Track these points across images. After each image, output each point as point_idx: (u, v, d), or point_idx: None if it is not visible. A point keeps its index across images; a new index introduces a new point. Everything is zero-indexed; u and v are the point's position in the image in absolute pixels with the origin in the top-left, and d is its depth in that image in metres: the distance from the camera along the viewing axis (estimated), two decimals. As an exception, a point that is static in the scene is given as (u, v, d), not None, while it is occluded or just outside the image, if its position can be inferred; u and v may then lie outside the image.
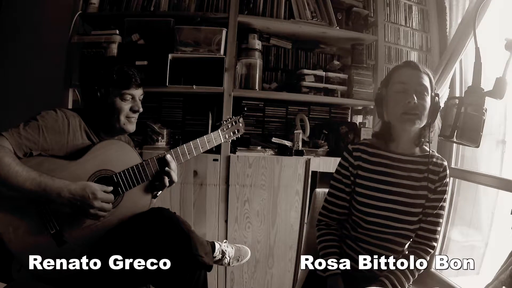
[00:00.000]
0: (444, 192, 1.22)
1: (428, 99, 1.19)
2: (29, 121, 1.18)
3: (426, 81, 1.19)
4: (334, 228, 1.31)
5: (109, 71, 1.28)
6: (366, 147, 1.27)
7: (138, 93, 1.34)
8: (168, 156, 1.31)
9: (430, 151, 1.23)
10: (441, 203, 1.22)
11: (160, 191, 1.39)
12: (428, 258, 1.22)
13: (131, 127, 1.35)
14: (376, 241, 1.22)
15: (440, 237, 2.31)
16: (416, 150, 1.26)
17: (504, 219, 2.16)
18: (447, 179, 1.23)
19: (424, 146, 1.26)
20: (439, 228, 1.23)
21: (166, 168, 1.30)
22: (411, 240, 1.26)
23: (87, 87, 1.32)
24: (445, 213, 2.23)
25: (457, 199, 2.35)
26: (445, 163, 1.24)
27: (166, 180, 1.31)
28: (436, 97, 1.20)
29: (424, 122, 1.19)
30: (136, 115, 1.35)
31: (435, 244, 1.22)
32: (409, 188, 1.21)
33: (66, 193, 1.13)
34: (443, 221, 1.25)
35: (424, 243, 1.22)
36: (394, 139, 1.24)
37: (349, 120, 2.40)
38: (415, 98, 1.15)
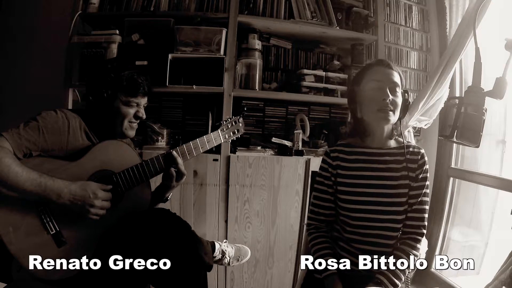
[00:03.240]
0: (425, 179, 1.24)
1: (400, 95, 1.23)
2: (29, 122, 1.18)
3: (397, 79, 1.24)
4: (324, 230, 1.31)
5: (119, 76, 1.28)
6: (343, 147, 1.30)
7: (143, 101, 1.35)
8: (174, 153, 1.33)
9: (405, 141, 1.26)
10: (424, 190, 1.23)
11: (171, 192, 1.41)
12: (419, 246, 1.22)
13: (132, 133, 1.36)
14: (366, 238, 1.22)
15: (440, 237, 2.32)
16: (391, 143, 1.29)
17: (504, 219, 2.16)
18: (427, 166, 1.25)
19: (398, 138, 1.30)
20: (426, 215, 1.24)
21: (173, 164, 1.32)
22: (400, 231, 1.26)
23: (93, 89, 1.31)
24: (445, 211, 2.30)
25: (457, 199, 2.35)
26: (422, 150, 1.26)
27: (173, 171, 1.31)
28: (406, 93, 1.25)
29: (397, 117, 1.24)
30: (137, 122, 1.36)
31: (424, 231, 1.23)
32: (390, 180, 1.23)
33: (67, 193, 1.13)
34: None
35: (413, 232, 1.22)
36: (368, 134, 1.27)
37: (349, 120, 2.39)
38: (390, 95, 1.20)
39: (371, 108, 1.22)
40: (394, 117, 1.22)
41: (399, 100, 1.23)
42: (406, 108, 1.26)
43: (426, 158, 1.25)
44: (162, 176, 1.35)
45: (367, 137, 1.28)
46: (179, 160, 1.33)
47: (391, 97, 1.20)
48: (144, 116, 1.36)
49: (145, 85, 1.32)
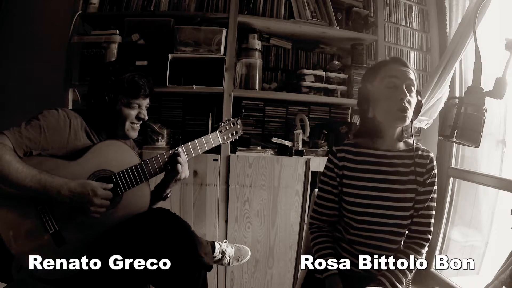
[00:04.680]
0: (433, 184, 1.20)
1: (415, 95, 1.19)
2: (30, 121, 1.18)
3: (413, 77, 1.19)
4: (326, 230, 1.30)
5: (120, 79, 1.29)
6: (350, 147, 1.26)
7: (145, 102, 1.37)
8: (180, 149, 1.34)
9: (415, 144, 1.22)
10: (431, 195, 1.20)
11: (170, 190, 1.41)
12: (424, 251, 1.20)
13: (134, 134, 1.37)
14: (370, 241, 1.20)
15: (440, 237, 2.32)
16: (401, 145, 1.25)
17: (504, 219, 2.16)
18: (435, 171, 1.21)
19: (408, 140, 1.25)
20: (432, 221, 1.21)
21: (178, 158, 1.33)
22: (405, 236, 1.24)
23: (95, 92, 1.32)
24: (445, 211, 2.30)
25: (457, 199, 2.35)
26: (431, 154, 1.22)
27: (179, 167, 1.32)
28: (419, 95, 1.20)
29: (411, 118, 1.19)
30: (139, 123, 1.37)
31: (429, 236, 1.21)
32: (397, 183, 1.19)
33: (66, 190, 1.14)
34: (435, 213, 1.22)
35: (418, 237, 1.21)
36: (379, 135, 1.23)
37: (349, 120, 2.40)
38: (407, 94, 1.15)
39: (386, 107, 1.17)
40: (409, 118, 1.17)
41: (414, 100, 1.18)
42: (419, 110, 1.21)
43: (435, 163, 1.21)
44: (165, 173, 1.36)
45: (377, 138, 1.23)
46: (184, 157, 1.34)
47: (408, 96, 1.15)
48: (146, 118, 1.37)
49: (146, 86, 1.33)
